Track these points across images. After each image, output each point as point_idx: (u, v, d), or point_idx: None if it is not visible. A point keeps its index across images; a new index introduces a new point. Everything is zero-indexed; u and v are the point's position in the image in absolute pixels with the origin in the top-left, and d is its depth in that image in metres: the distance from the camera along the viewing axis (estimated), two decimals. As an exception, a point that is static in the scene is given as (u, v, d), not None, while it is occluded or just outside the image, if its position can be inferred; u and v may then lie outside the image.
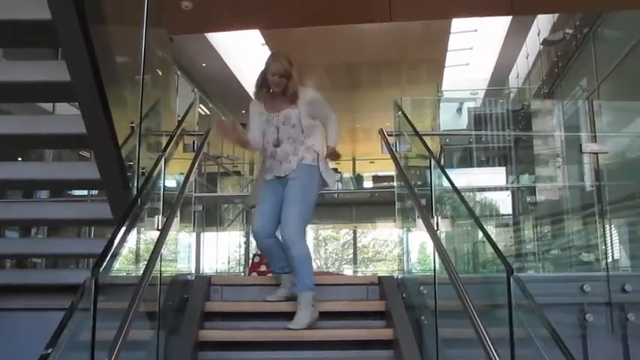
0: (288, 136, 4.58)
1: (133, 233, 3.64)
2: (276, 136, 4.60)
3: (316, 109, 4.70)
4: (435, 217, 3.84)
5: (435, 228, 3.63)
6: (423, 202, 4.49)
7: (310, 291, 4.28)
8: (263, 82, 4.63)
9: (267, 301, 4.52)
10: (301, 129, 4.61)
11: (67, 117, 4.34)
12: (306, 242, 4.52)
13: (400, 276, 5.26)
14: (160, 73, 5.47)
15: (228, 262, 13.30)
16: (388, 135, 5.39)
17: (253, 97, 4.87)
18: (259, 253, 5.99)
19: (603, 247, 5.75)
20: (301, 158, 4.57)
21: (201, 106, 13.40)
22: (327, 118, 4.76)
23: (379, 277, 5.00)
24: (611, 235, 6.30)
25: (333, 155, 4.73)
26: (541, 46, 12.11)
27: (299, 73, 4.65)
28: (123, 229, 3.14)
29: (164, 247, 3.66)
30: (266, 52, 15.10)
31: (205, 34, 13.29)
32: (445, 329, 4.13)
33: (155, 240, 3.54)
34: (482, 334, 2.74)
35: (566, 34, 10.41)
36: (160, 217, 3.82)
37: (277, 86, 4.51)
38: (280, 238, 4.52)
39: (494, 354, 2.62)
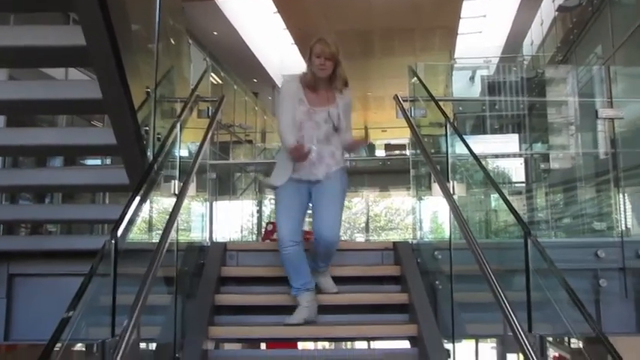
0: (325, 136, 4.24)
1: (149, 200, 3.67)
2: (315, 134, 4.22)
3: (343, 113, 4.31)
4: (452, 182, 3.83)
5: (452, 192, 3.62)
6: (438, 168, 4.49)
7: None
8: (309, 72, 4.22)
9: (286, 324, 4.07)
10: (337, 129, 4.29)
11: (82, 82, 4.35)
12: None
13: (415, 241, 5.27)
14: (173, 41, 5.46)
15: (241, 231, 13.33)
16: (403, 101, 5.37)
17: (289, 78, 4.50)
18: (272, 221, 5.99)
19: (617, 214, 5.73)
20: (338, 162, 4.30)
21: (213, 75, 13.34)
22: (345, 127, 4.35)
23: (394, 242, 5.01)
24: (624, 202, 6.28)
25: (361, 142, 4.62)
26: (556, 13, 11.98)
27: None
28: (141, 192, 3.16)
29: (180, 215, 3.68)
30: (278, 21, 15.11)
31: (216, 1, 13.22)
32: (459, 293, 4.15)
33: (170, 208, 3.55)
34: (501, 297, 2.75)
35: (582, 0, 10.28)
36: (177, 182, 3.83)
37: (323, 71, 4.13)
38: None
39: (513, 316, 2.63)
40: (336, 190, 4.26)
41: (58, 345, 2.32)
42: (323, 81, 4.22)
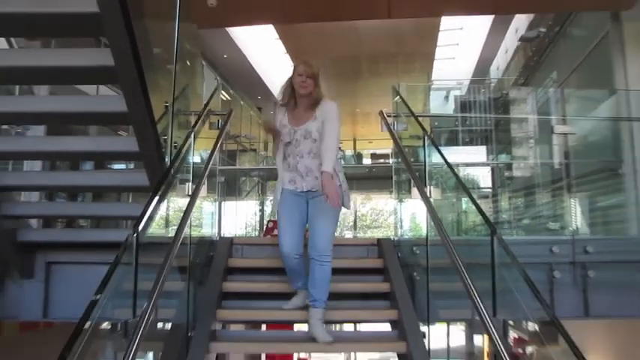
0: (309, 151, 3.93)
1: (167, 200, 3.67)
2: (297, 150, 3.95)
3: (326, 125, 3.84)
4: (428, 186, 3.84)
5: (428, 195, 3.63)
6: (417, 175, 4.49)
7: (325, 309, 3.82)
8: (288, 88, 3.97)
9: (283, 309, 4.03)
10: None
11: (110, 97, 4.34)
12: (331, 257, 3.85)
13: (396, 238, 5.27)
14: (189, 63, 5.46)
15: (245, 228, 13.33)
16: (387, 116, 5.38)
17: (279, 102, 4.09)
18: (273, 219, 5.97)
19: (569, 216, 5.77)
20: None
21: (222, 92, 13.36)
22: (327, 135, 3.82)
23: (378, 239, 5.01)
24: (575, 205, 6.32)
25: (329, 186, 3.66)
26: (518, 43, 12.06)
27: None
28: (159, 192, 3.16)
29: (193, 213, 3.67)
30: (279, 46, 15.13)
31: (227, 28, 13.24)
32: (434, 284, 4.16)
33: (185, 208, 3.55)
34: (470, 286, 2.77)
35: (540, 32, 10.35)
36: (190, 184, 3.84)
37: (304, 87, 3.85)
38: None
39: (480, 302, 2.64)
40: (326, 207, 3.74)
41: (88, 323, 2.32)
42: (303, 99, 3.93)
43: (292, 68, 3.96)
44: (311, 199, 3.96)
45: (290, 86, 3.96)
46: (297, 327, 4.71)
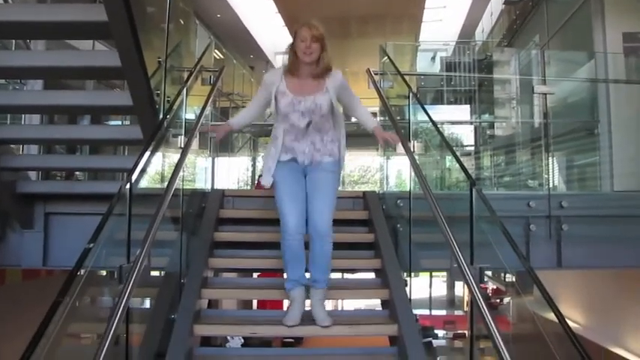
0: (314, 125, 3.48)
1: (160, 152, 3.65)
2: (302, 124, 3.46)
3: (345, 96, 3.57)
4: (412, 141, 3.83)
5: (412, 150, 3.63)
6: (402, 131, 4.48)
7: (326, 288, 3.52)
8: (292, 57, 3.43)
9: (288, 326, 3.41)
10: (330, 119, 3.53)
11: (105, 52, 4.29)
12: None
13: (381, 191, 5.30)
14: (182, 21, 5.39)
15: (238, 182, 13.33)
16: (374, 74, 5.34)
17: (272, 71, 3.76)
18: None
19: (546, 173, 5.81)
20: (330, 152, 3.55)
21: (215, 51, 13.19)
22: (356, 105, 3.67)
23: (363, 192, 5.03)
24: (552, 163, 6.36)
25: (392, 137, 3.68)
26: (503, 6, 11.94)
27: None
28: (152, 145, 3.15)
29: (186, 168, 3.65)
30: (271, 6, 14.92)
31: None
32: (416, 235, 4.20)
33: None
34: (449, 235, 2.79)
35: (525, -5, 10.26)
36: (182, 137, 3.81)
37: (309, 54, 3.33)
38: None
39: (458, 251, 2.67)
40: (329, 180, 3.53)
41: (82, 270, 2.33)
42: (307, 67, 3.42)
43: (294, 33, 3.44)
44: (309, 172, 3.56)
45: (293, 53, 3.42)
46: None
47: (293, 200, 3.44)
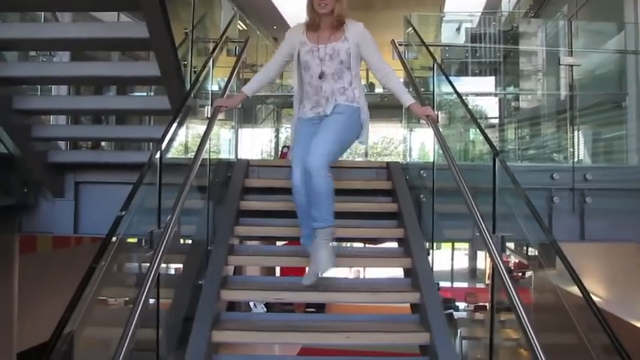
0: (333, 72, 3.50)
1: (186, 124, 3.71)
2: (320, 70, 3.49)
3: (368, 51, 3.56)
4: (438, 113, 3.84)
5: (437, 121, 3.64)
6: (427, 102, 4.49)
7: (331, 227, 3.41)
8: (310, 10, 3.51)
9: (304, 284, 3.47)
10: (349, 66, 3.52)
11: (132, 24, 4.34)
12: (329, 175, 3.38)
13: (404, 162, 5.32)
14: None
15: (261, 154, 13.42)
16: (398, 45, 5.33)
17: (294, 26, 3.80)
18: (288, 144, 5.98)
19: (571, 146, 5.77)
20: (347, 97, 3.54)
21: (239, 22, 13.17)
22: (383, 68, 3.61)
23: (387, 162, 5.06)
24: (578, 136, 6.32)
25: (424, 111, 3.67)
26: (531, -25, 11.75)
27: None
28: (180, 115, 3.21)
29: (212, 138, 3.70)
30: (295, -25, 14.85)
31: (243, -43, 12.95)
32: (439, 205, 4.23)
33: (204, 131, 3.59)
34: (472, 205, 2.82)
35: (553, -35, 10.07)
36: (209, 107, 3.87)
37: (323, 6, 3.40)
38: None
39: (480, 220, 2.70)
40: (337, 121, 3.49)
41: (115, 238, 2.42)
42: (325, 18, 3.49)
43: None
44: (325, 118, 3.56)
45: (310, 6, 3.49)
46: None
47: (299, 153, 3.49)
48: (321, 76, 3.51)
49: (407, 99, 3.64)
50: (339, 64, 3.52)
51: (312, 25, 3.56)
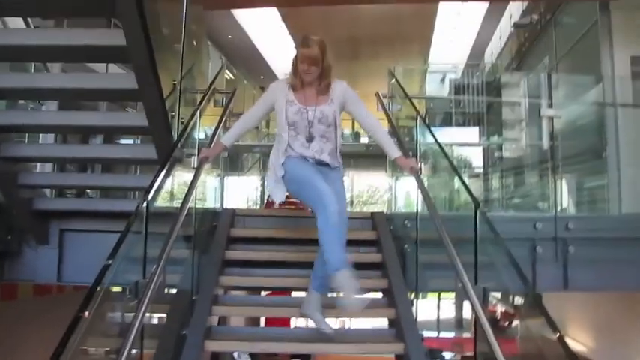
0: (321, 134, 3.53)
1: (174, 172, 3.76)
2: (307, 132, 3.51)
3: (354, 107, 3.62)
4: (420, 164, 3.92)
5: (419, 172, 3.72)
6: (410, 154, 4.57)
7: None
8: (294, 70, 3.53)
9: (303, 314, 3.53)
10: (335, 129, 3.56)
11: (121, 75, 4.44)
12: None
13: (389, 212, 5.38)
14: (195, 43, 5.53)
15: (247, 202, 13.45)
16: (383, 97, 5.46)
17: (276, 82, 3.78)
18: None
19: (554, 195, 5.86)
20: (336, 160, 3.64)
21: (227, 72, 13.40)
22: (371, 122, 3.71)
23: (372, 212, 5.12)
24: (561, 185, 6.43)
25: (414, 169, 3.70)
26: (512, 29, 12.11)
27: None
28: (167, 165, 3.27)
29: (198, 186, 3.74)
30: (282, 27, 15.12)
31: (231, 10, 13.25)
32: (423, 255, 4.26)
33: (190, 180, 3.63)
34: (454, 256, 2.87)
35: (533, 20, 10.39)
36: (196, 158, 3.92)
37: (308, 76, 3.45)
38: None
39: (462, 271, 2.75)
40: (341, 184, 3.67)
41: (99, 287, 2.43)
42: (309, 85, 3.54)
43: (295, 50, 3.59)
44: (325, 171, 3.57)
45: (295, 69, 3.52)
46: (294, 294, 4.82)
47: (322, 180, 3.37)
48: (309, 139, 3.52)
49: (393, 152, 3.68)
50: (327, 127, 3.54)
51: (295, 88, 3.56)
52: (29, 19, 5.49)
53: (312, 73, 3.45)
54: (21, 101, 5.81)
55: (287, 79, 3.61)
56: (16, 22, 5.36)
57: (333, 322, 3.65)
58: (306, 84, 3.52)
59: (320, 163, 3.56)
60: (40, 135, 6.11)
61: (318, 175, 3.42)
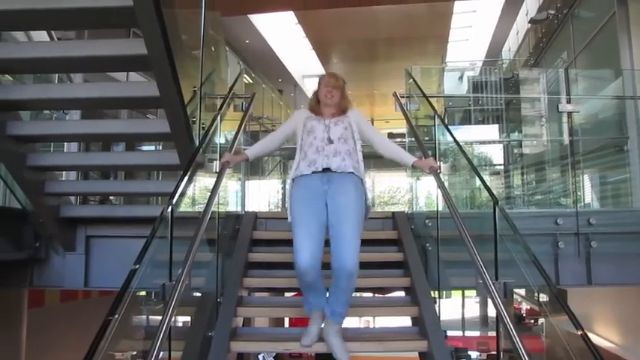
0: (340, 136, 3.54)
1: (195, 177, 3.82)
2: (327, 135, 3.53)
3: (367, 131, 3.71)
4: (438, 162, 3.94)
5: (439, 171, 3.74)
6: (430, 152, 4.59)
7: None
8: (314, 101, 3.73)
9: (304, 346, 3.49)
10: (352, 134, 3.60)
11: (143, 83, 4.51)
12: None
13: (410, 212, 5.40)
14: (213, 49, 5.61)
15: (269, 205, 13.53)
16: (401, 97, 5.48)
17: (301, 109, 3.88)
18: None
19: (575, 190, 5.84)
20: (354, 163, 3.52)
21: (245, 76, 13.51)
22: (381, 138, 3.79)
23: (392, 212, 5.15)
24: (582, 180, 6.40)
25: (433, 167, 3.66)
26: (529, 25, 12.02)
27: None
28: (190, 170, 3.33)
29: (220, 190, 3.80)
30: (299, 30, 15.21)
31: (249, 15, 13.36)
32: (444, 254, 4.29)
33: (212, 185, 3.70)
34: (475, 253, 2.89)
35: (550, 14, 10.32)
36: (217, 162, 3.97)
37: (330, 97, 3.62)
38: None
39: (482, 267, 2.77)
40: (352, 195, 3.38)
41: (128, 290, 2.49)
42: (329, 109, 3.67)
43: (318, 82, 3.76)
44: (331, 192, 3.39)
45: (316, 99, 3.73)
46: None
47: (307, 233, 3.24)
48: (328, 141, 3.52)
49: (408, 159, 3.70)
50: (344, 130, 3.57)
51: (316, 112, 3.71)
52: (53, 33, 5.61)
53: (335, 97, 3.65)
54: (45, 111, 5.93)
55: (309, 106, 3.79)
56: (40, 35, 5.49)
57: (357, 321, 3.67)
58: (325, 112, 3.67)
59: (328, 170, 3.46)
60: (65, 144, 6.25)
61: (309, 217, 3.31)
